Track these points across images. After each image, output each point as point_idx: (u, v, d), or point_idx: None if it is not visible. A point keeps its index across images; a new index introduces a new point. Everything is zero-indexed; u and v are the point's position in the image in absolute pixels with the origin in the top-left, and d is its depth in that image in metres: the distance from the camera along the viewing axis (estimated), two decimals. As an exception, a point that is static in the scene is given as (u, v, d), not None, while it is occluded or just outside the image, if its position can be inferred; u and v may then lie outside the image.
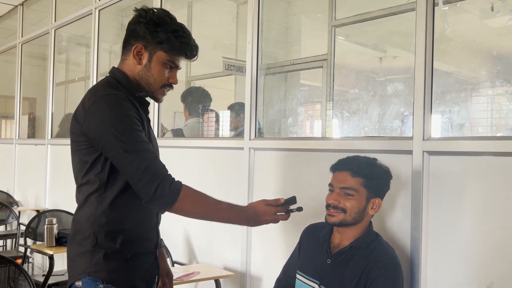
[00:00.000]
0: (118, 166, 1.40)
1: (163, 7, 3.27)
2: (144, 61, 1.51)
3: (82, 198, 1.48)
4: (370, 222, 1.69)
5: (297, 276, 1.73)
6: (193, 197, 1.41)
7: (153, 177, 1.36)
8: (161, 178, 1.37)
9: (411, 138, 1.83)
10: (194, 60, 1.59)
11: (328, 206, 1.65)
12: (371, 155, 1.79)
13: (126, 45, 1.54)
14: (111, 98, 1.42)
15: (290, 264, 1.82)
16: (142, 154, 1.38)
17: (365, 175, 1.62)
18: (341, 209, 1.61)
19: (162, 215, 1.63)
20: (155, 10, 1.51)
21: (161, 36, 1.48)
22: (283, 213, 1.48)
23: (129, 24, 1.53)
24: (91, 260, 1.43)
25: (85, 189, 1.47)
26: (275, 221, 1.48)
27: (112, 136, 1.37)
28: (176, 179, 1.41)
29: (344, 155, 1.78)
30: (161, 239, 1.73)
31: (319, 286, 1.64)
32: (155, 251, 1.59)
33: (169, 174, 1.41)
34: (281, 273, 1.85)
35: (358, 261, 1.59)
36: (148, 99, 1.60)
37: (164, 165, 1.41)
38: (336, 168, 1.69)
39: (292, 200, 1.48)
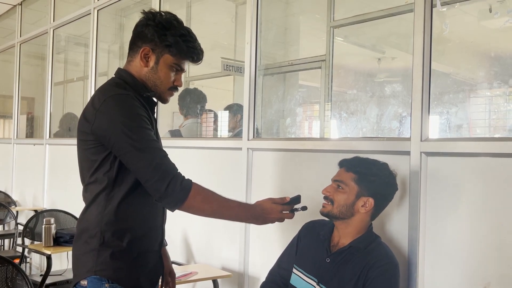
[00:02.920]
0: (128, 164, 1.41)
1: (162, 7, 3.27)
2: (151, 63, 1.53)
3: (90, 197, 1.49)
4: (371, 224, 1.70)
5: (294, 270, 1.74)
6: (203, 194, 1.43)
7: (164, 175, 1.37)
8: (172, 175, 1.39)
9: (408, 139, 1.83)
10: (199, 63, 1.62)
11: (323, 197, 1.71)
12: (369, 156, 1.80)
13: (133, 46, 1.56)
14: (121, 97, 1.45)
15: (285, 257, 1.84)
16: (152, 151, 1.40)
17: (357, 172, 1.65)
18: (330, 200, 1.66)
19: (166, 214, 1.64)
20: (163, 13, 1.54)
21: (169, 40, 1.50)
22: (288, 212, 1.50)
23: (137, 26, 1.55)
24: (98, 259, 1.45)
25: (93, 188, 1.48)
26: (281, 219, 1.50)
27: (123, 134, 1.38)
28: (186, 177, 1.42)
29: (342, 156, 1.79)
30: (165, 238, 1.74)
31: (317, 284, 1.65)
32: (159, 249, 1.61)
33: (179, 172, 1.43)
34: (275, 265, 1.86)
35: (358, 261, 1.61)
36: (155, 99, 1.62)
37: (173, 164, 1.43)
38: (339, 164, 1.74)
39: (297, 199, 1.52)
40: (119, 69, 1.58)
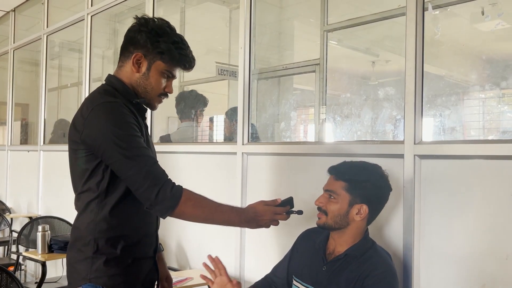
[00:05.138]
0: (118, 173, 1.41)
1: (155, 12, 3.28)
2: (143, 69, 1.53)
3: (82, 205, 1.49)
4: (367, 230, 1.67)
5: (294, 281, 1.73)
6: (194, 200, 1.43)
7: (154, 182, 1.37)
8: (162, 182, 1.38)
9: (402, 142, 1.83)
10: (190, 71, 1.62)
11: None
12: (363, 159, 1.79)
13: (125, 52, 1.56)
14: (109, 105, 1.44)
15: (280, 266, 1.83)
16: (142, 159, 1.39)
17: (347, 180, 1.60)
18: (324, 212, 1.62)
19: (160, 220, 1.64)
20: (155, 20, 1.54)
21: (162, 47, 1.50)
22: (283, 214, 1.48)
23: (129, 31, 1.55)
24: (92, 266, 1.45)
25: (85, 196, 1.48)
26: (275, 221, 1.48)
27: (112, 143, 1.38)
28: (176, 184, 1.42)
29: (336, 159, 1.78)
30: (160, 244, 1.74)
31: None
32: (154, 255, 1.61)
33: (169, 179, 1.42)
34: (271, 272, 1.85)
35: (353, 269, 1.57)
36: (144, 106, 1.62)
37: (163, 170, 1.43)
38: (328, 171, 1.70)
39: (289, 201, 1.50)
40: (109, 75, 1.58)
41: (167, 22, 1.56)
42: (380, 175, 1.65)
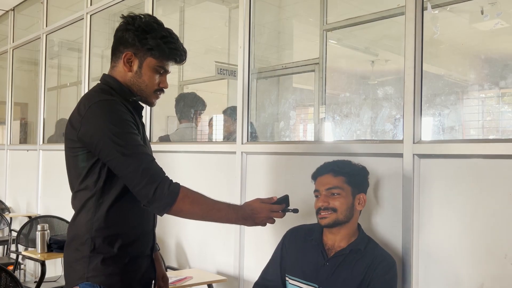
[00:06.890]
0: (115, 170, 1.41)
1: (154, 12, 3.28)
2: (135, 68, 1.53)
3: (79, 204, 1.49)
4: (359, 225, 1.72)
5: (289, 280, 1.74)
6: (192, 197, 1.42)
7: (151, 179, 1.37)
8: (160, 180, 1.38)
9: (401, 141, 1.84)
10: (183, 64, 1.61)
11: (318, 210, 1.68)
12: (362, 158, 1.81)
13: (115, 52, 1.56)
14: (106, 103, 1.44)
15: (270, 268, 1.83)
16: (139, 157, 1.39)
17: (346, 173, 1.69)
18: (331, 209, 1.66)
19: (157, 218, 1.64)
20: (142, 17, 1.53)
21: (151, 43, 1.50)
22: (279, 212, 1.49)
23: (117, 31, 1.55)
24: (89, 265, 1.44)
25: (82, 195, 1.48)
26: (271, 219, 1.48)
27: (109, 140, 1.38)
28: (174, 181, 1.42)
29: (335, 159, 1.80)
30: (157, 243, 1.74)
31: None
32: (151, 254, 1.61)
33: (167, 176, 1.42)
34: (259, 278, 1.85)
35: (360, 261, 1.63)
36: (141, 103, 1.61)
37: (161, 168, 1.43)
38: (317, 174, 1.75)
39: (285, 198, 1.51)
40: (104, 75, 1.58)
41: (154, 18, 1.55)
42: (361, 166, 1.77)
